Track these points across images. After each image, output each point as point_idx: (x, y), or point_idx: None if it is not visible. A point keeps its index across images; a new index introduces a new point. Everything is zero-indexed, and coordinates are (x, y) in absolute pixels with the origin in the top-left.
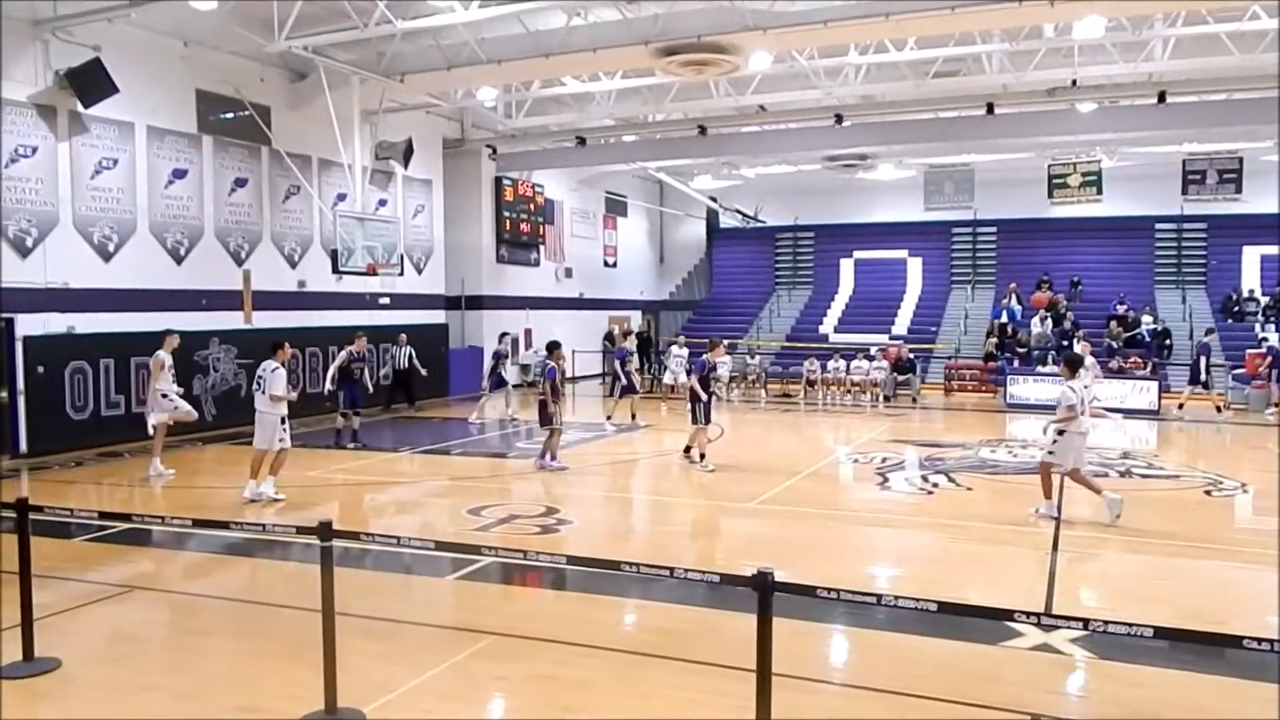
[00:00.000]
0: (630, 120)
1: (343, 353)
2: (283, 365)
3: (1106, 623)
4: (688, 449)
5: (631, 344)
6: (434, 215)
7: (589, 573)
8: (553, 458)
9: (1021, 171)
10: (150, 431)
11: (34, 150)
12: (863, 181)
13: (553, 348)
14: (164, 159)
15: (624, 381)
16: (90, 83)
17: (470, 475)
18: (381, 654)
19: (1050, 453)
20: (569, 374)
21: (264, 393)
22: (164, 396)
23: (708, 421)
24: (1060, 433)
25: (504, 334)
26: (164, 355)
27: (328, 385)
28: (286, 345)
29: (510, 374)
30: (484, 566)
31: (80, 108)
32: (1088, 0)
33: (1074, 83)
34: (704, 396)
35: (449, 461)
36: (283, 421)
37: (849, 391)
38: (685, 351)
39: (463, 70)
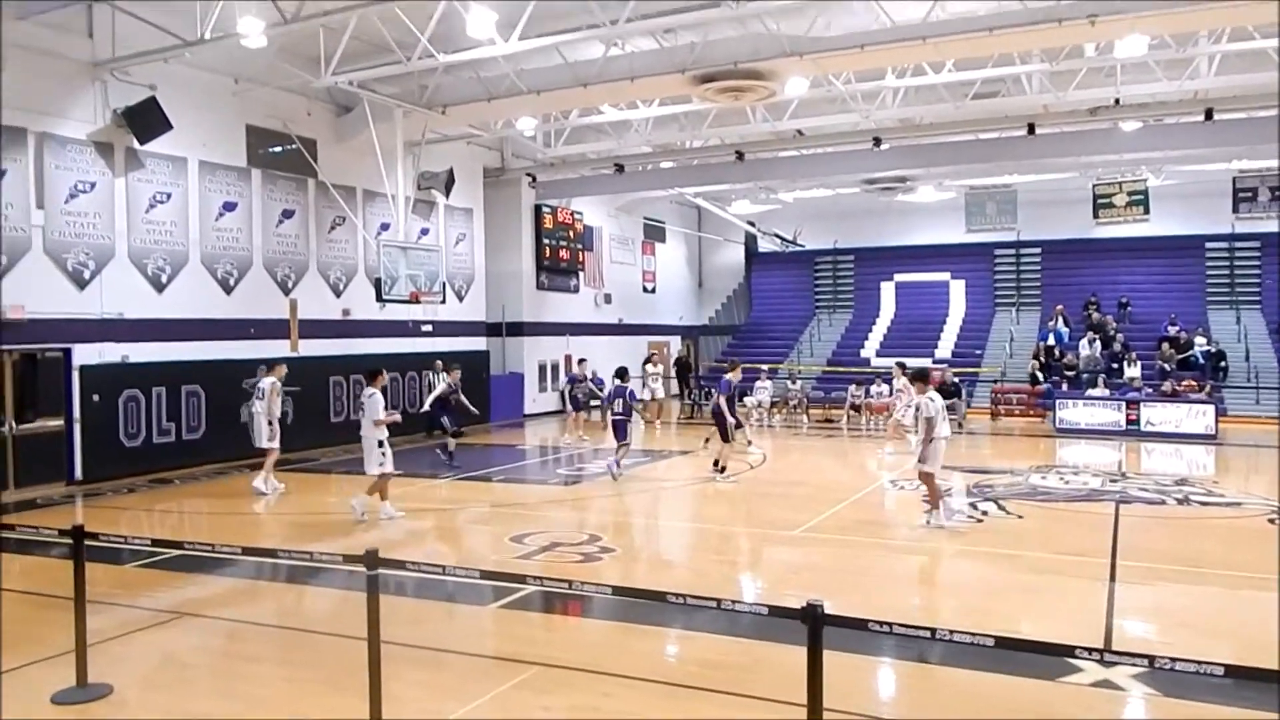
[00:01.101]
0: (668, 147)
1: (442, 384)
2: (380, 391)
3: (1173, 660)
4: (719, 465)
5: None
6: (475, 243)
7: (633, 602)
8: (617, 465)
9: (1065, 191)
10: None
11: (92, 186)
12: (903, 204)
13: (623, 373)
14: (215, 192)
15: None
16: (146, 120)
17: (512, 502)
18: (426, 683)
19: (922, 460)
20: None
21: (366, 417)
22: (269, 424)
23: (732, 439)
24: (928, 441)
25: (582, 359)
26: (276, 381)
27: (426, 408)
28: (384, 372)
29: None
30: (527, 595)
31: (136, 144)
32: (1129, 19)
33: (1117, 101)
34: (729, 416)
35: (490, 488)
36: (380, 445)
37: (892, 416)
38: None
39: (503, 101)
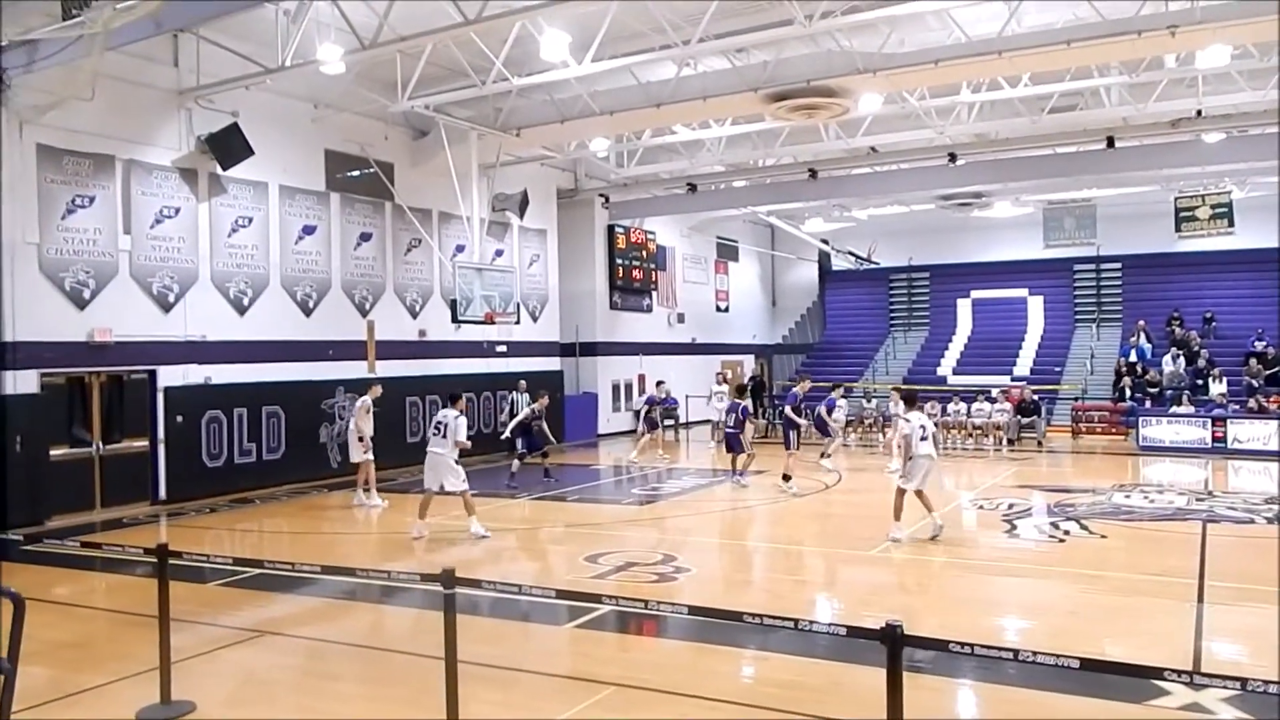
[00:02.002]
0: (740, 165)
1: (526, 409)
2: (463, 414)
3: (1266, 682)
4: (786, 475)
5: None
6: (549, 264)
7: (708, 623)
8: (742, 473)
9: (1146, 205)
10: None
11: (177, 211)
12: (979, 220)
13: (742, 390)
14: (295, 216)
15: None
16: (228, 146)
17: (586, 522)
18: (502, 702)
19: (903, 477)
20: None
21: (445, 438)
22: (359, 440)
23: (798, 447)
24: (908, 459)
25: (660, 380)
26: (369, 400)
27: (507, 434)
28: (464, 396)
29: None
30: (602, 615)
31: (219, 170)
32: (1210, 29)
33: (1199, 113)
34: (799, 423)
35: (564, 508)
36: (456, 463)
37: (970, 435)
38: (725, 388)
39: (576, 123)
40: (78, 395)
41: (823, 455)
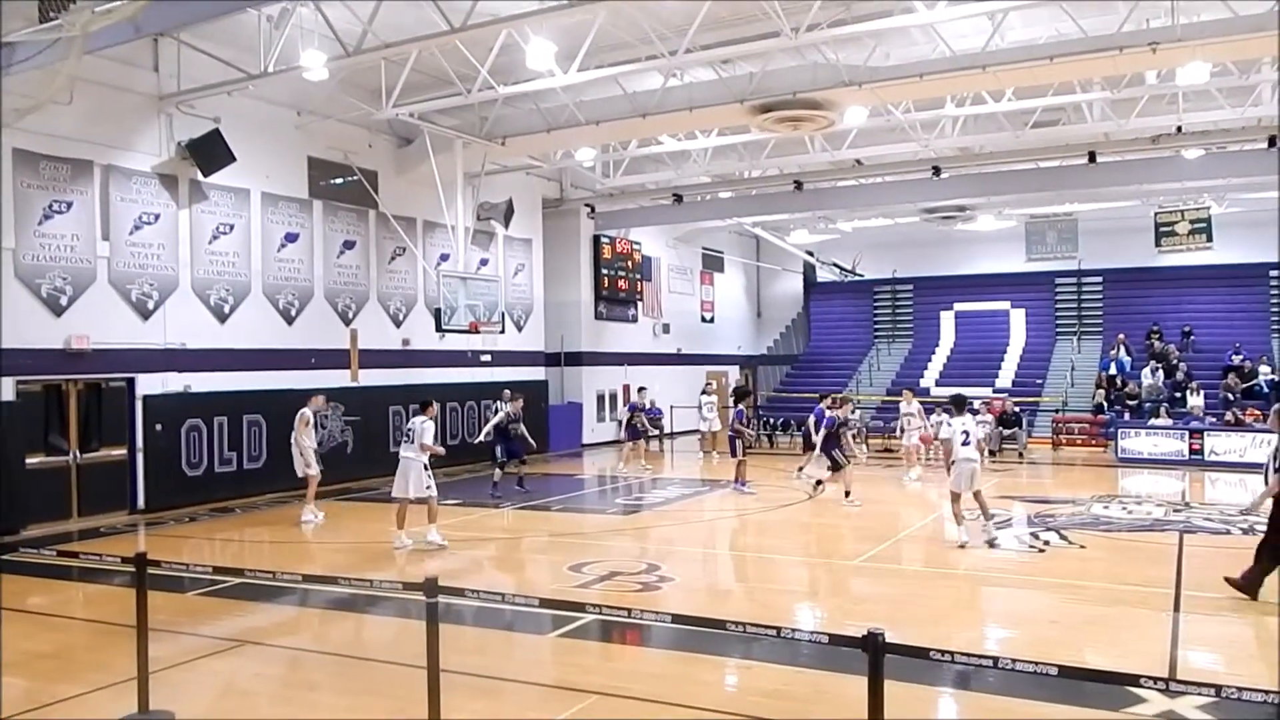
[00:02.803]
0: (726, 177)
1: (500, 414)
2: (432, 420)
3: (1240, 689)
4: (847, 493)
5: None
6: (534, 273)
7: (692, 631)
8: (743, 481)
9: (1127, 220)
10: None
11: (156, 217)
12: (962, 233)
13: (741, 396)
14: (277, 224)
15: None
16: (210, 153)
17: (570, 531)
18: (485, 711)
19: (951, 482)
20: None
21: (413, 442)
22: (300, 454)
23: (844, 466)
24: (951, 462)
25: (642, 388)
26: (308, 412)
27: (481, 438)
28: (434, 403)
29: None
30: (586, 624)
31: (200, 176)
32: (1191, 46)
33: (1179, 129)
34: (817, 445)
35: (549, 517)
36: (426, 469)
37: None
38: (714, 399)
39: (562, 132)
40: (54, 403)
41: (800, 469)
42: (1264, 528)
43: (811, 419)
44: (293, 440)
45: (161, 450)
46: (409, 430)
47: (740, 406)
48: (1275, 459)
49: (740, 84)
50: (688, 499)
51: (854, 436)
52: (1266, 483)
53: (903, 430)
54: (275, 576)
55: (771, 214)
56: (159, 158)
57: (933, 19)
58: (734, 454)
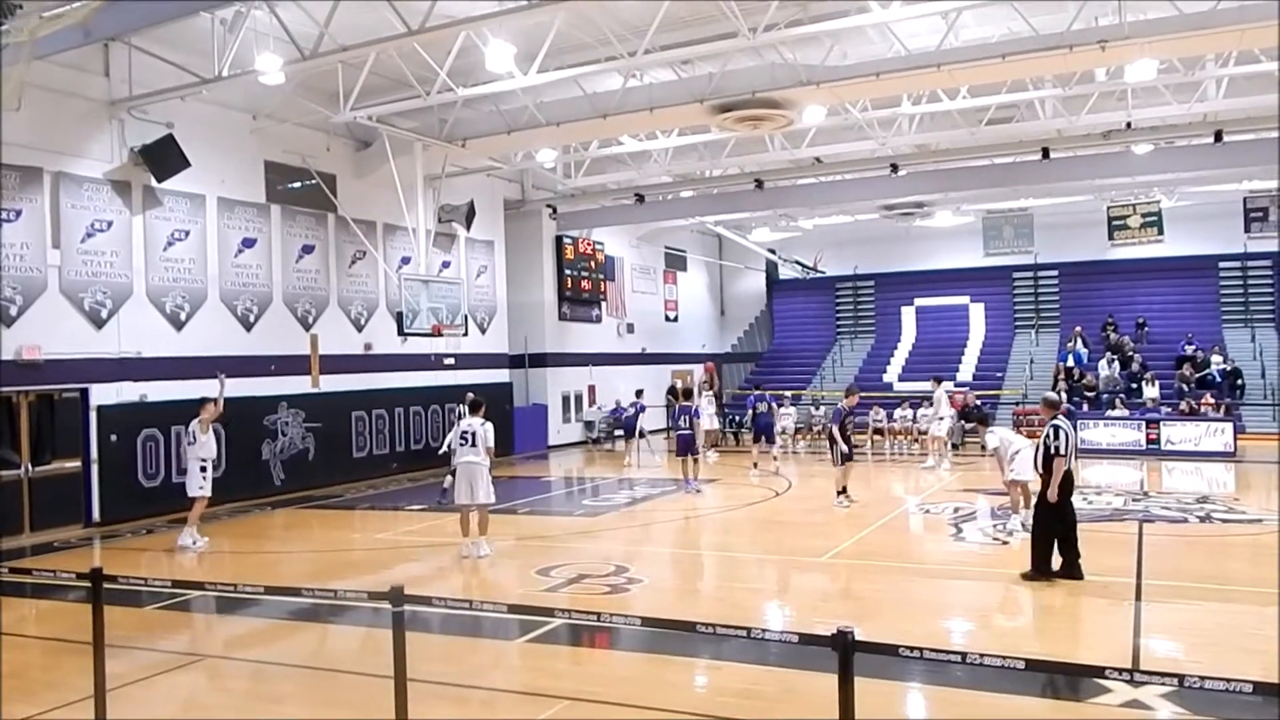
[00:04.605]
0: (688, 176)
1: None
2: (487, 420)
3: (1203, 678)
4: (840, 491)
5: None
6: (496, 275)
7: (662, 633)
8: (692, 480)
9: (1081, 214)
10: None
11: (109, 225)
12: (921, 229)
13: (689, 394)
14: (234, 229)
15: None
16: (163, 158)
17: (537, 534)
18: (454, 719)
19: (1013, 469)
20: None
21: (476, 446)
22: (201, 469)
23: (846, 462)
24: (1015, 453)
25: (639, 390)
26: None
27: (443, 448)
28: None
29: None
30: (555, 629)
31: (154, 182)
32: (1138, 44)
33: (1129, 125)
34: (840, 441)
35: (515, 520)
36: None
37: (916, 440)
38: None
39: (522, 133)
40: (4, 415)
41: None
42: (1222, 516)
43: (835, 427)
44: (191, 453)
45: (117, 461)
46: (467, 434)
47: (691, 404)
48: (1051, 447)
49: (700, 84)
50: (654, 499)
51: (819, 432)
52: (1037, 470)
53: (929, 420)
54: (237, 588)
55: (733, 213)
56: (111, 164)
57: (888, 18)
58: (681, 453)
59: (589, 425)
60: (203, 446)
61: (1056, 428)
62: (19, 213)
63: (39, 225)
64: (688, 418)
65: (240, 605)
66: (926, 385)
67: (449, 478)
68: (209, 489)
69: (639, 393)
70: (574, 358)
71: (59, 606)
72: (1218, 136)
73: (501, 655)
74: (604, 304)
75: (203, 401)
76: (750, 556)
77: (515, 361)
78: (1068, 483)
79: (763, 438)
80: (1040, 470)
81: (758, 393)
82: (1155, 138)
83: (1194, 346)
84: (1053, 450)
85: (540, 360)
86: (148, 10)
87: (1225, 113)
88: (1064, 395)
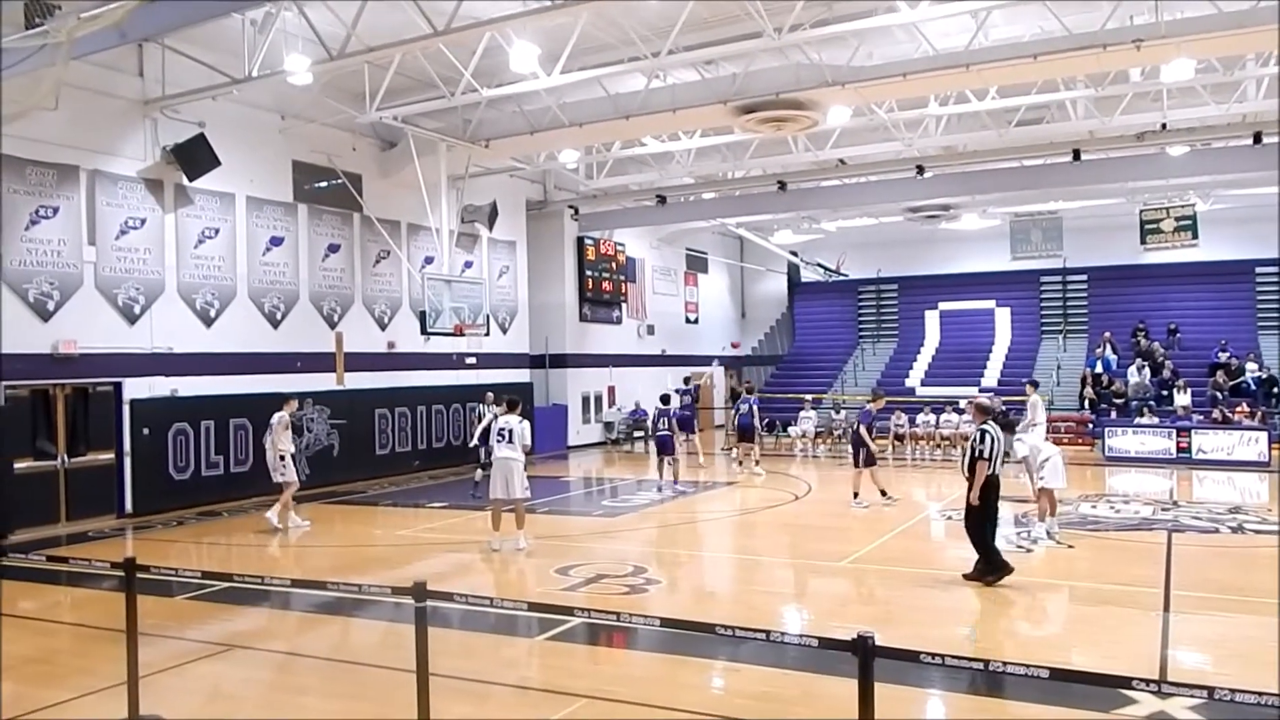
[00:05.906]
0: (710, 178)
1: (488, 417)
2: (524, 418)
3: (1233, 691)
4: (881, 492)
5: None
6: (518, 276)
7: (680, 634)
8: (673, 482)
9: (1112, 217)
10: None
11: (142, 222)
12: (946, 232)
13: (666, 398)
14: (262, 227)
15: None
16: (195, 157)
17: (557, 534)
18: (474, 715)
19: (1041, 477)
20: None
21: (513, 442)
22: (281, 459)
23: (869, 465)
24: (1045, 459)
25: (666, 395)
26: (285, 416)
27: (474, 442)
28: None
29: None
30: (573, 627)
31: (185, 181)
32: (1175, 43)
33: (1164, 126)
34: (869, 442)
35: (535, 520)
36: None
37: (939, 446)
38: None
39: (545, 134)
40: (42, 408)
41: (749, 460)
42: (1254, 527)
43: (862, 427)
44: (269, 445)
45: (148, 454)
46: (504, 430)
47: (668, 408)
48: (976, 451)
49: (723, 85)
50: (672, 501)
51: (840, 436)
52: (964, 473)
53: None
54: (264, 581)
55: (755, 215)
56: (144, 162)
57: (916, 18)
58: (664, 453)
59: (608, 426)
60: (282, 439)
61: (985, 433)
62: (56, 210)
63: (75, 222)
64: (667, 420)
65: (267, 597)
66: (949, 390)
67: (479, 471)
68: (290, 475)
69: (686, 380)
70: (594, 359)
71: (93, 595)
72: (1257, 138)
73: (521, 652)
74: (624, 305)
75: (285, 398)
76: (769, 560)
77: (536, 362)
78: (995, 487)
79: (746, 438)
80: (965, 473)
81: (745, 396)
82: (1191, 139)
83: (1228, 354)
84: (978, 454)
85: (561, 361)
86: (181, 11)
87: (1265, 113)
88: (1093, 403)
